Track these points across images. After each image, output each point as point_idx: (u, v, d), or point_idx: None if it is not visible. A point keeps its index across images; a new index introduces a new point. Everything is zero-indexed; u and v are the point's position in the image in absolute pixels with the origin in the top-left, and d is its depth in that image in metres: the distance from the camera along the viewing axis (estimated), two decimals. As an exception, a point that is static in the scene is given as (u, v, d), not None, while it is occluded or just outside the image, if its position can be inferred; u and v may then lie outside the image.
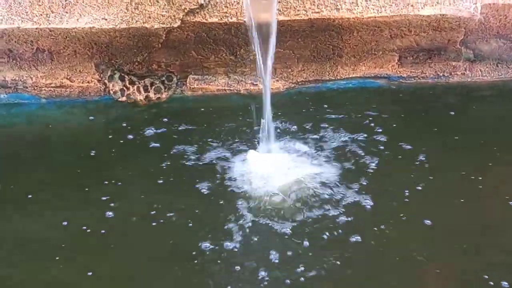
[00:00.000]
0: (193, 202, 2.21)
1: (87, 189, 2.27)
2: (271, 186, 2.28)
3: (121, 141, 2.54)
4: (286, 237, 2.05)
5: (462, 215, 2.19)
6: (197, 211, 2.17)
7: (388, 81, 2.99)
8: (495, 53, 2.99)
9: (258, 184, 2.29)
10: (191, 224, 2.11)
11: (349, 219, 2.13)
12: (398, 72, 2.98)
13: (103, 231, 2.08)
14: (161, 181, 2.31)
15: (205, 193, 2.25)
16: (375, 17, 2.70)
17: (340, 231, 2.08)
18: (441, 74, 3.00)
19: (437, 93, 2.93)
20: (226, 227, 2.09)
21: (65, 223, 2.10)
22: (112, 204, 2.19)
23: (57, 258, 1.97)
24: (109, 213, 2.14)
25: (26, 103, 2.77)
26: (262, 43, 2.37)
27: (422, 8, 2.70)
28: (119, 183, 2.30)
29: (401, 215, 2.16)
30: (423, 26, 2.79)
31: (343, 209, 2.16)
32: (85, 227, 2.09)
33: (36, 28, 2.57)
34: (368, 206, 2.18)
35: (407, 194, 2.25)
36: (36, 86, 2.77)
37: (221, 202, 2.21)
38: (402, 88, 2.96)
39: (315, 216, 2.14)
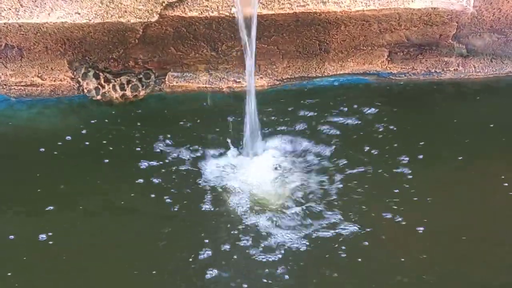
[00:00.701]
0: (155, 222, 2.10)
1: (39, 197, 2.15)
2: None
3: (90, 145, 2.41)
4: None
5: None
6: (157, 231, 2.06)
7: (377, 77, 2.89)
8: (489, 48, 2.89)
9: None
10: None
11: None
12: (388, 68, 2.87)
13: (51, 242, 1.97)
14: (120, 191, 2.20)
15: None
16: (363, 11, 2.59)
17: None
18: (433, 71, 2.89)
19: (429, 90, 2.82)
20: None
21: (11, 236, 1.99)
22: (57, 219, 2.07)
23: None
24: (42, 235, 1.99)
25: (-5, 102, 2.64)
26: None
27: (412, 1, 2.58)
28: (75, 194, 2.18)
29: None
30: (413, 20, 2.68)
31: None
32: (28, 242, 1.98)
33: (5, 23, 2.43)
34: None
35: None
36: (5, 85, 2.63)
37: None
38: (392, 85, 2.86)
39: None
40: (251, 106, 2.35)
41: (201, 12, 2.50)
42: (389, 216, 2.10)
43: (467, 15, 2.73)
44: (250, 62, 2.32)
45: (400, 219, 2.09)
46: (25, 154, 2.36)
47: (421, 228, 2.06)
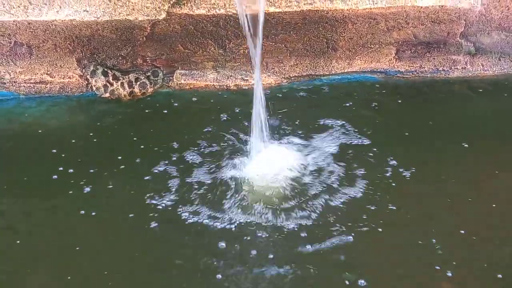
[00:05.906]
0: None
1: (46, 193, 2.14)
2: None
3: (99, 142, 2.40)
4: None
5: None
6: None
7: (385, 75, 2.88)
8: (497, 46, 2.89)
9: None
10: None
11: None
12: (396, 66, 2.86)
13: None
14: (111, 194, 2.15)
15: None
16: (370, 9, 2.59)
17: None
18: (440, 69, 2.89)
19: (436, 89, 2.81)
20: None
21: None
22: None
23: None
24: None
25: (4, 100, 2.64)
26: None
27: (420, -1, 2.60)
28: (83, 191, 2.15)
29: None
30: (421, 18, 2.69)
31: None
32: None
33: (14, 21, 2.45)
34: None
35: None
36: (15, 82, 2.64)
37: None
38: (400, 83, 2.85)
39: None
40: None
41: (209, 10, 2.51)
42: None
43: (475, 13, 2.73)
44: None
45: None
46: (33, 151, 2.35)
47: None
